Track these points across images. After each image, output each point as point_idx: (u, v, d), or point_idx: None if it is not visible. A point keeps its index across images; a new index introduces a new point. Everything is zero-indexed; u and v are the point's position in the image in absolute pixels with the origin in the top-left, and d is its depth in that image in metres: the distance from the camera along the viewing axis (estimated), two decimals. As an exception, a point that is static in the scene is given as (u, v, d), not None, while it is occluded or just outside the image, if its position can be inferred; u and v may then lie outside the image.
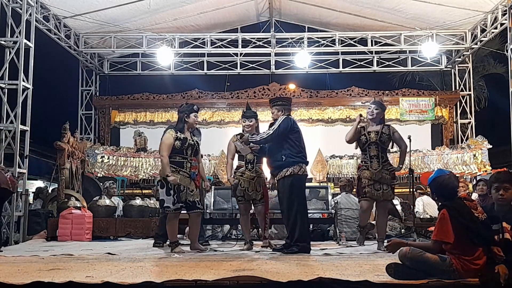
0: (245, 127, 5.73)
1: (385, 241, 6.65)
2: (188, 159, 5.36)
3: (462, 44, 11.37)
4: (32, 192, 10.40)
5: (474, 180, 10.52)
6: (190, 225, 5.57)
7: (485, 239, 3.31)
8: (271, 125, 5.54)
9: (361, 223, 5.92)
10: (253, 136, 5.49)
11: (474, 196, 6.94)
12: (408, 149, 5.82)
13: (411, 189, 7.11)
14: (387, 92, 12.63)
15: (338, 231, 6.73)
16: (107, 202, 8.12)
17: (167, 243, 5.67)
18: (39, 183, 14.62)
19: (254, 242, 5.89)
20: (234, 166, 5.86)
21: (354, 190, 6.69)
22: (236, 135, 5.82)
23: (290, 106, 5.62)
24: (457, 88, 12.57)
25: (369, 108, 5.78)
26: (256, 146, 5.45)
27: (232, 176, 5.77)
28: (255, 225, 6.69)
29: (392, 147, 5.83)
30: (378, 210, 5.82)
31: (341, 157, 11.09)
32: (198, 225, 5.62)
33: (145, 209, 7.96)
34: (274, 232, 7.23)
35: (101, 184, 9.81)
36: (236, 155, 5.78)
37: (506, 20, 9.09)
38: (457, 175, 9.99)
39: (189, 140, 5.41)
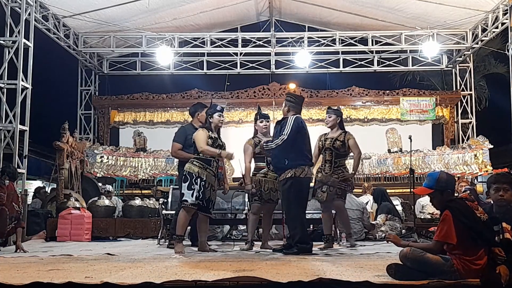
0: (263, 127, 5.85)
1: (383, 235, 6.77)
2: (216, 159, 5.42)
3: (463, 44, 11.37)
4: (32, 192, 10.41)
5: (475, 180, 10.53)
6: (199, 226, 5.55)
7: (487, 240, 3.29)
8: (278, 122, 5.52)
9: (324, 231, 5.98)
10: (268, 144, 5.48)
11: None
12: (409, 149, 5.86)
13: (411, 189, 7.08)
14: (387, 92, 12.63)
15: (338, 231, 6.71)
16: (106, 202, 8.10)
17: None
18: (39, 183, 14.61)
19: (254, 242, 5.88)
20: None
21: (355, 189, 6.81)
22: (252, 138, 5.84)
23: (299, 105, 5.58)
24: (458, 88, 12.57)
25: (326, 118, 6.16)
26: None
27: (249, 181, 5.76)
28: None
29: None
30: (334, 209, 5.99)
31: (341, 157, 11.07)
32: (207, 227, 5.63)
33: (145, 209, 7.94)
34: (274, 232, 7.21)
35: (100, 184, 9.80)
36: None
37: (507, 19, 9.08)
38: (458, 175, 10.03)
39: (219, 140, 5.49)
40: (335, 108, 6.31)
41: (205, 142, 5.34)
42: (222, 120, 5.56)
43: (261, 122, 5.86)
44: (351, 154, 6.04)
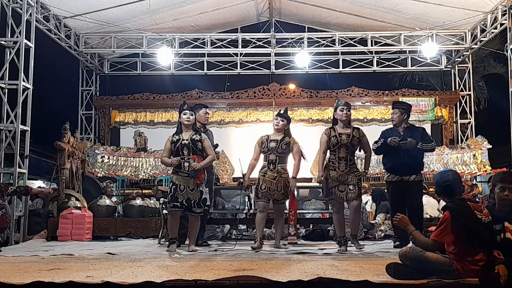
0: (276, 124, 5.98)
1: (382, 235, 6.81)
2: (186, 159, 5.45)
3: (462, 44, 11.38)
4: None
5: (475, 180, 10.54)
6: (189, 226, 5.60)
7: (487, 241, 3.31)
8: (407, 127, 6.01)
9: (338, 233, 5.66)
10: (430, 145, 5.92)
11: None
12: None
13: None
14: (387, 92, 12.64)
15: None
16: (107, 202, 8.12)
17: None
18: (40, 183, 14.61)
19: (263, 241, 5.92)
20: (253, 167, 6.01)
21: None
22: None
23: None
24: (457, 88, 12.59)
25: (341, 110, 5.65)
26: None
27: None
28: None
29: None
30: (349, 208, 5.70)
31: (341, 157, 11.08)
32: (196, 227, 5.60)
33: (145, 209, 7.96)
34: (274, 232, 7.22)
35: (101, 184, 9.80)
36: (262, 156, 5.89)
37: (506, 20, 9.10)
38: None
39: (182, 140, 5.49)
40: (347, 102, 6.02)
41: (167, 151, 5.59)
42: (187, 119, 5.59)
43: (276, 120, 5.97)
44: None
